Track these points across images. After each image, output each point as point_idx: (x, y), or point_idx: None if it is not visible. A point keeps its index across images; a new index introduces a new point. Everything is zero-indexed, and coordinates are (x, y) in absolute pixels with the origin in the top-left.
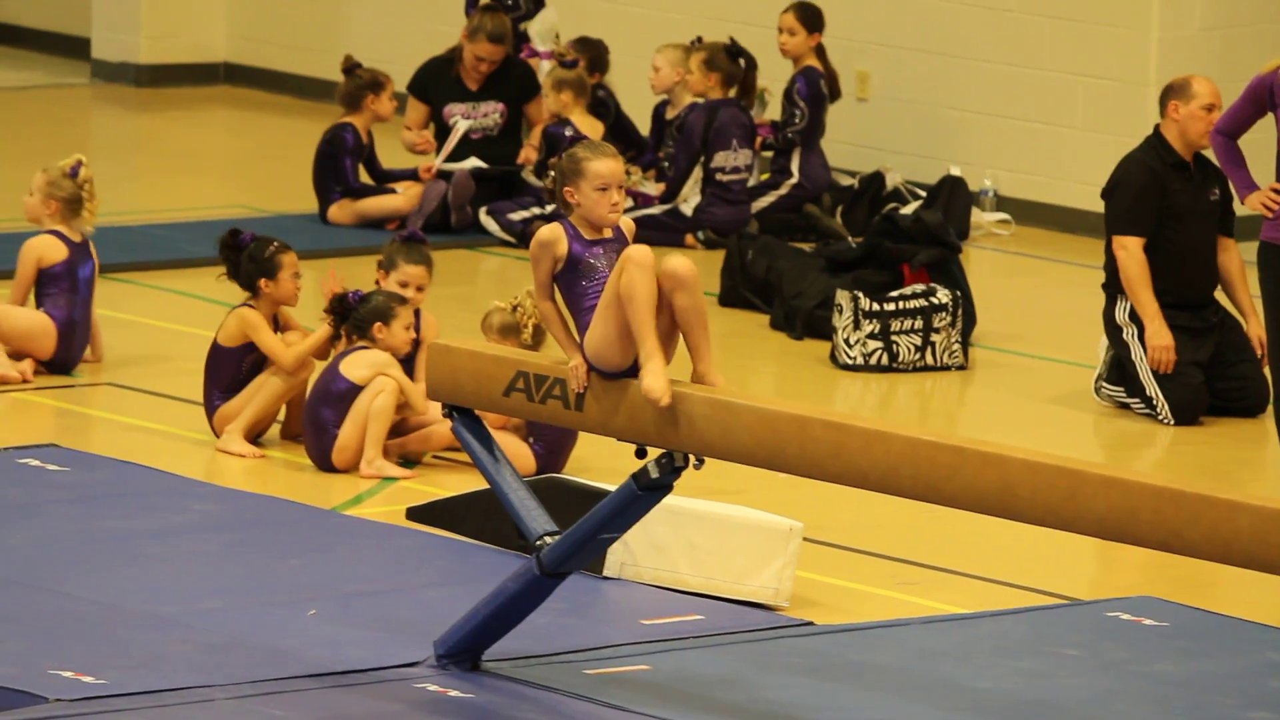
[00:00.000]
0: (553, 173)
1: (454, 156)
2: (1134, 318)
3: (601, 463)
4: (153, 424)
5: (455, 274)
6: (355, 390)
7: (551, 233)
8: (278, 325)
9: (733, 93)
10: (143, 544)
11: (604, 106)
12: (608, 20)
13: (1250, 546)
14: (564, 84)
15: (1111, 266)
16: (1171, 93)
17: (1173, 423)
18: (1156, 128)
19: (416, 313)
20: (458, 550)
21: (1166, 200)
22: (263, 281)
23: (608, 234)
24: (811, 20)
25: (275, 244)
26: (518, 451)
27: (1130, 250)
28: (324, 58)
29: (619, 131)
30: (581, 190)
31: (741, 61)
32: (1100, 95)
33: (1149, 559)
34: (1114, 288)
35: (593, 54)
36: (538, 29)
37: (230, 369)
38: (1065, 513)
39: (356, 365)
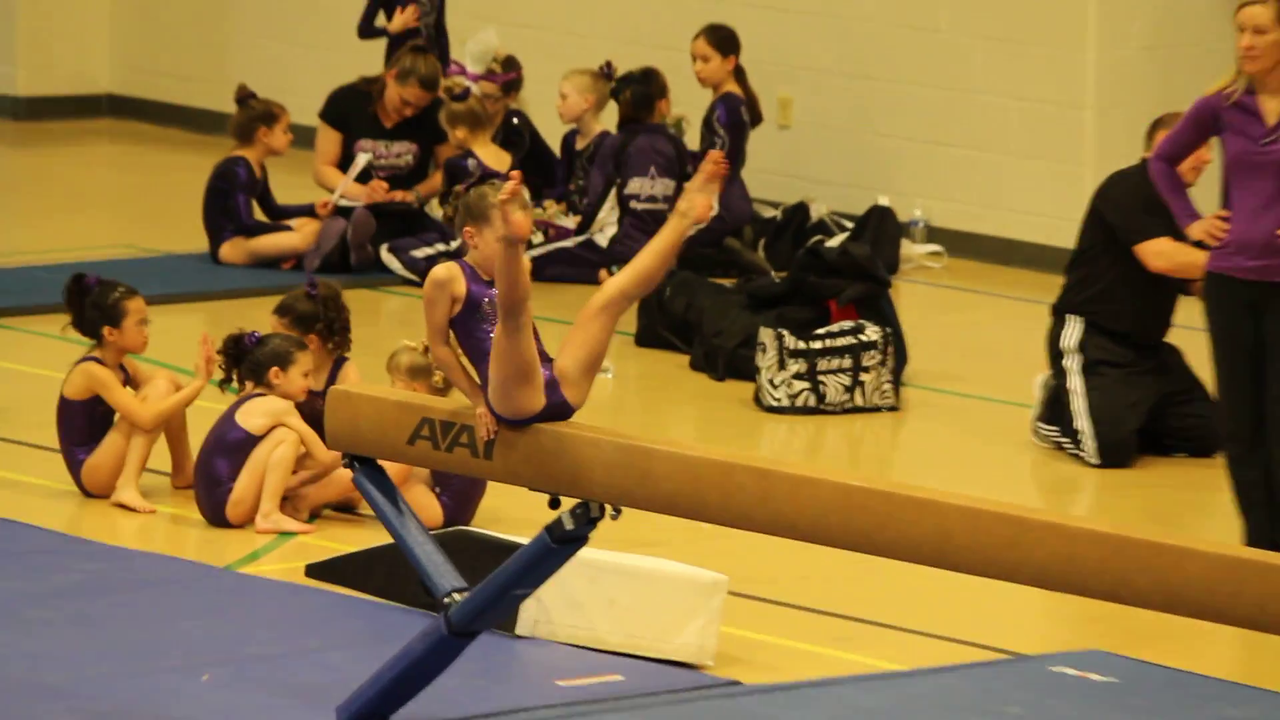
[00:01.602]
0: (454, 205)
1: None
2: (1082, 347)
3: (513, 514)
4: (29, 478)
5: (356, 316)
6: (251, 440)
7: (448, 272)
8: (126, 375)
9: (656, 120)
10: (23, 607)
11: (518, 134)
12: (516, 44)
13: (1201, 595)
14: (456, 119)
15: (1072, 282)
16: (1159, 127)
17: (1098, 462)
18: (1143, 161)
19: (339, 361)
20: (361, 609)
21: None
22: (107, 329)
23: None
24: (724, 43)
25: (121, 289)
26: (423, 503)
27: (1167, 253)
28: (214, 88)
29: (534, 160)
30: (484, 235)
31: (615, 85)
32: (1036, 119)
33: (1096, 610)
34: (1066, 309)
35: (514, 77)
36: (474, 50)
37: (81, 423)
38: (1006, 562)
39: (253, 414)
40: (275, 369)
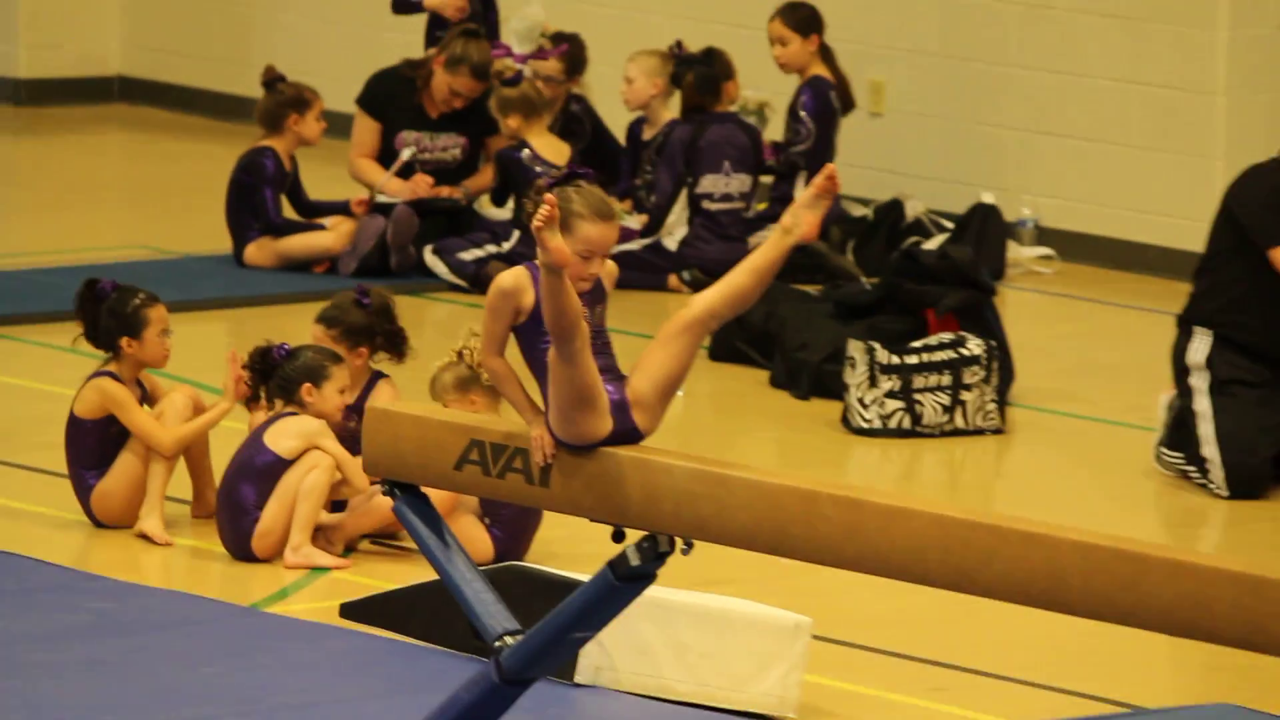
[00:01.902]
0: (529, 203)
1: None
2: (1210, 363)
3: (572, 548)
4: (33, 505)
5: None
6: (282, 464)
7: (515, 280)
8: (142, 391)
9: (723, 106)
10: (26, 651)
11: (578, 123)
12: (576, 21)
13: None
14: (509, 105)
15: (1200, 290)
16: None
17: (1226, 494)
18: None
19: (375, 375)
20: (402, 653)
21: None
22: (125, 341)
23: (583, 284)
24: (804, 23)
25: (141, 295)
26: (472, 535)
27: None
28: (238, 70)
29: (596, 152)
30: (568, 250)
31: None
32: (1160, 106)
33: (1226, 658)
34: (1193, 321)
35: (568, 53)
36: (519, 28)
37: (93, 444)
38: (1125, 603)
39: (284, 435)
40: (308, 385)
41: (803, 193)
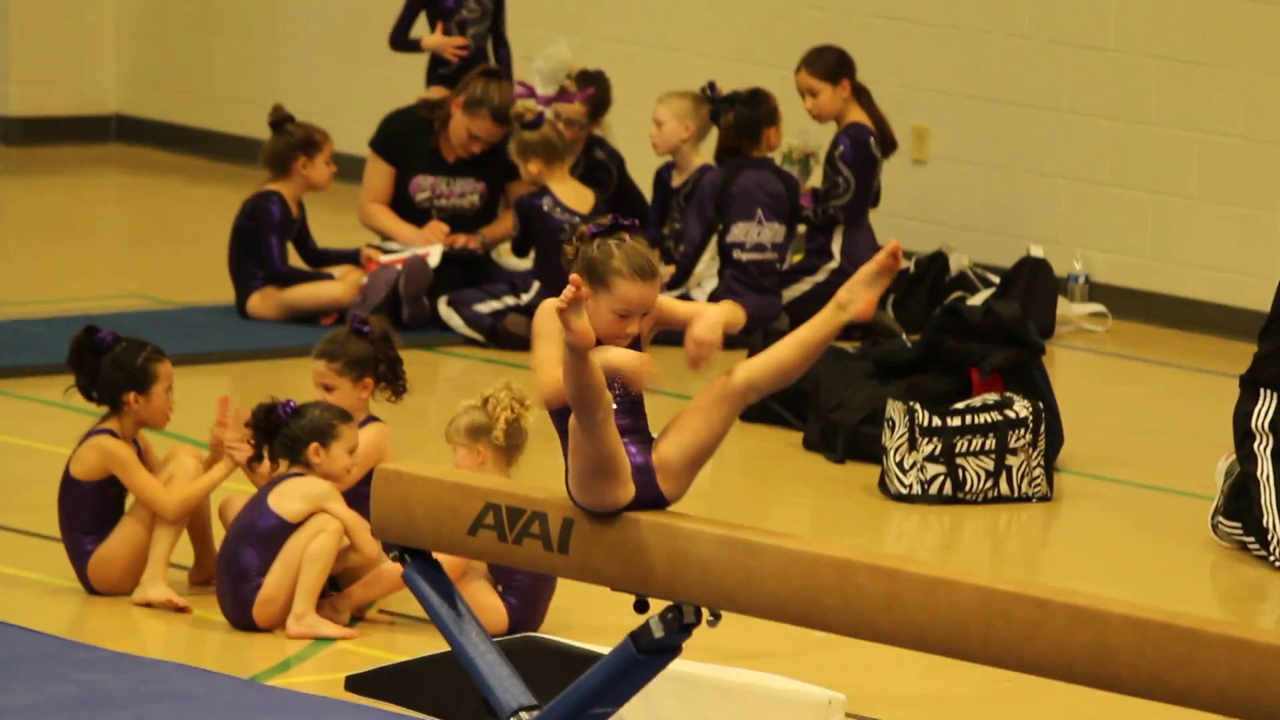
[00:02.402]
0: (574, 252)
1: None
2: (1275, 427)
3: (591, 618)
4: (23, 571)
5: (409, 381)
6: (287, 528)
7: (552, 311)
8: (138, 450)
9: (761, 153)
10: None
11: (604, 170)
12: (602, 58)
13: None
14: (529, 150)
15: (1266, 351)
16: None
17: None
18: None
19: (368, 419)
20: None
21: None
22: (131, 396)
23: (619, 341)
24: (832, 70)
25: (149, 348)
26: (486, 603)
27: None
28: (243, 109)
29: (621, 200)
30: (598, 302)
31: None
32: (1220, 155)
33: None
34: (1258, 382)
35: (593, 93)
36: (544, 68)
37: (91, 507)
38: (1177, 683)
39: (289, 497)
40: (315, 445)
41: (864, 268)
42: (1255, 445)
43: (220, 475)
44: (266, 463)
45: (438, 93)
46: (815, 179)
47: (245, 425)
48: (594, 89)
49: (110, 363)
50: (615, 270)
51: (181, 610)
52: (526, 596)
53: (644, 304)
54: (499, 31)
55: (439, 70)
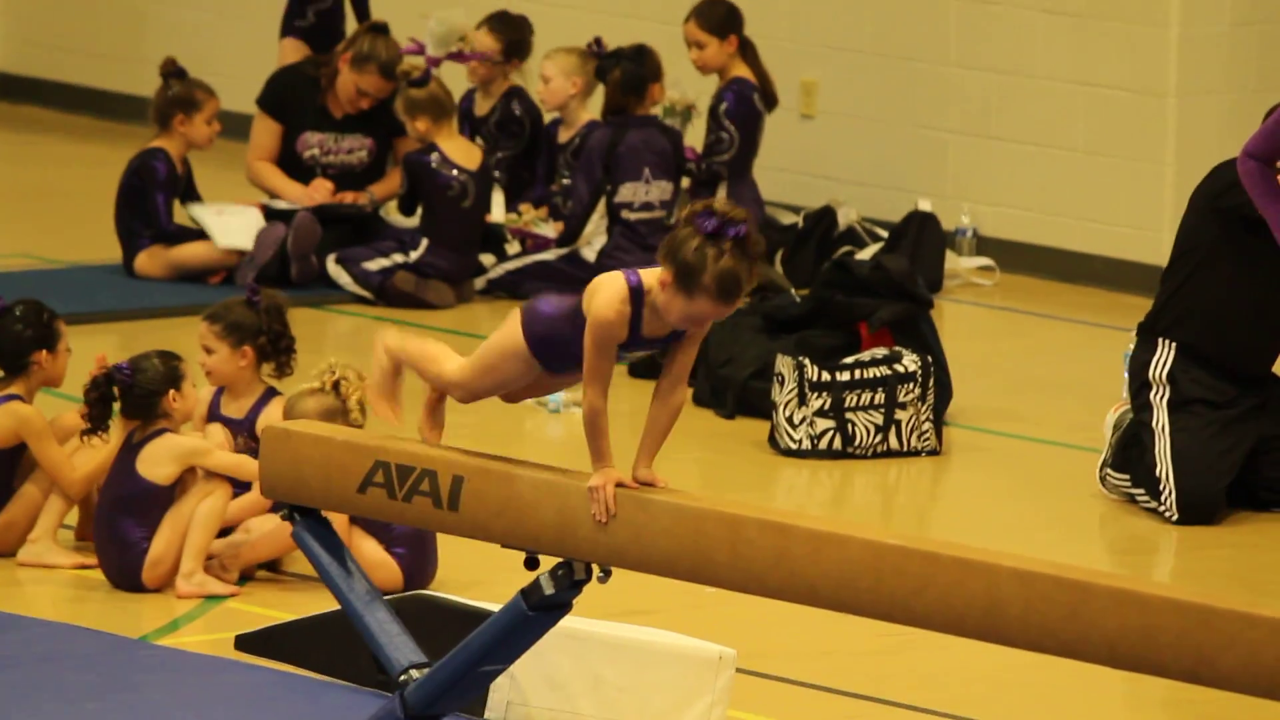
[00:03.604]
0: (669, 244)
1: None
2: (1173, 378)
3: (480, 575)
4: None
5: (298, 339)
6: (161, 491)
7: (621, 311)
8: None
9: (645, 109)
10: None
11: (517, 124)
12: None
13: None
14: (416, 107)
15: (1166, 299)
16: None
17: (1177, 518)
18: None
19: (269, 392)
20: (301, 688)
21: (1259, 240)
22: (42, 354)
23: (665, 330)
24: (720, 24)
25: (46, 308)
26: (376, 560)
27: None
28: (129, 66)
29: (529, 156)
30: (673, 295)
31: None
32: (1107, 109)
33: (1173, 693)
34: (1158, 331)
35: (512, 36)
36: (438, 31)
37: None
38: (1067, 635)
39: (157, 461)
40: (172, 391)
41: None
42: (1151, 395)
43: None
44: (116, 433)
45: (292, 45)
46: (697, 131)
47: (85, 397)
48: (494, 49)
49: (18, 323)
50: (703, 284)
51: (88, 568)
52: (412, 545)
53: (717, 318)
54: None
55: (295, 22)
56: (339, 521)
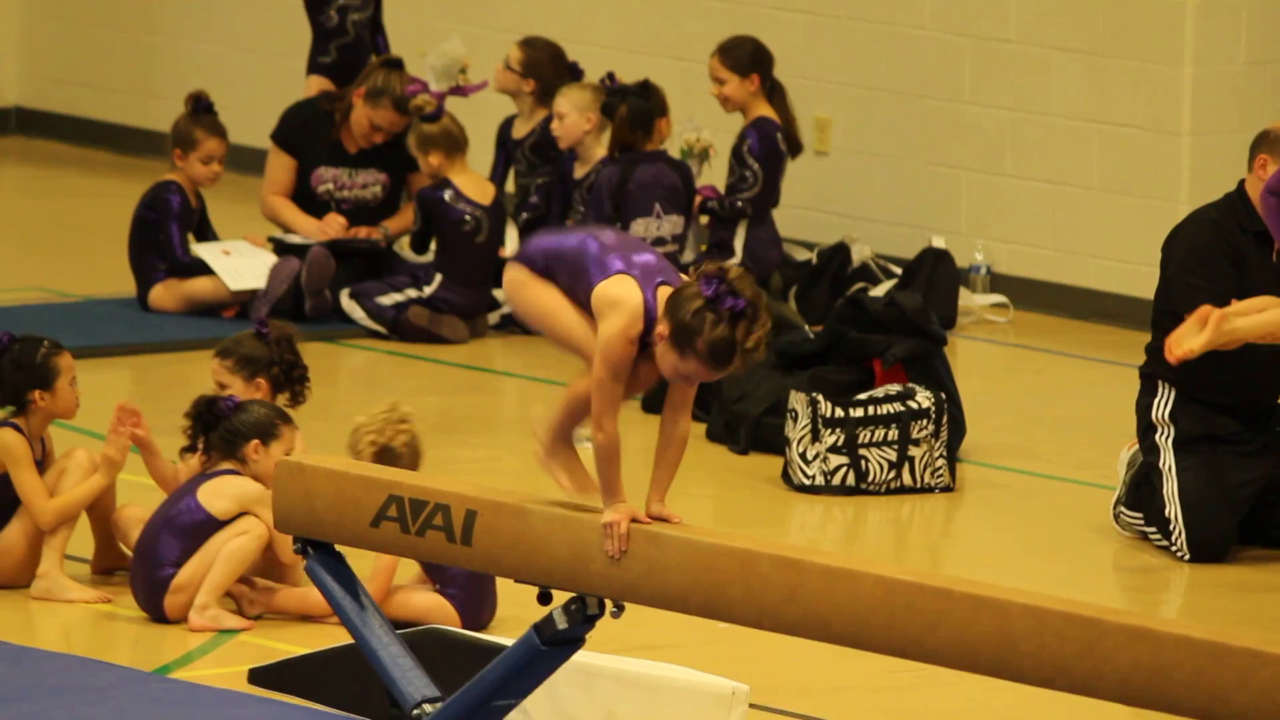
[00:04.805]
0: (673, 298)
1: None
2: (1174, 419)
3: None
4: None
5: (312, 373)
6: (212, 524)
7: (636, 331)
8: (43, 447)
9: (653, 145)
10: None
11: (555, 150)
12: (499, 52)
13: None
14: (429, 142)
15: (1158, 345)
16: (1263, 144)
17: (1188, 557)
18: (1241, 184)
19: None
20: None
21: (1241, 275)
22: (37, 394)
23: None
24: (742, 63)
25: (46, 343)
26: (430, 605)
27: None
28: (143, 102)
29: (558, 187)
30: (666, 350)
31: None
32: (1122, 146)
33: None
34: (1158, 374)
35: (536, 55)
36: (437, 65)
37: None
38: (1080, 671)
39: (220, 495)
40: (256, 443)
41: None
42: (1157, 436)
43: (100, 484)
44: (197, 456)
45: (318, 82)
46: (713, 173)
47: (185, 415)
48: (487, 82)
49: (10, 363)
50: (697, 351)
51: (107, 601)
52: (465, 586)
53: (705, 379)
54: (378, 20)
55: (319, 59)
56: (387, 564)
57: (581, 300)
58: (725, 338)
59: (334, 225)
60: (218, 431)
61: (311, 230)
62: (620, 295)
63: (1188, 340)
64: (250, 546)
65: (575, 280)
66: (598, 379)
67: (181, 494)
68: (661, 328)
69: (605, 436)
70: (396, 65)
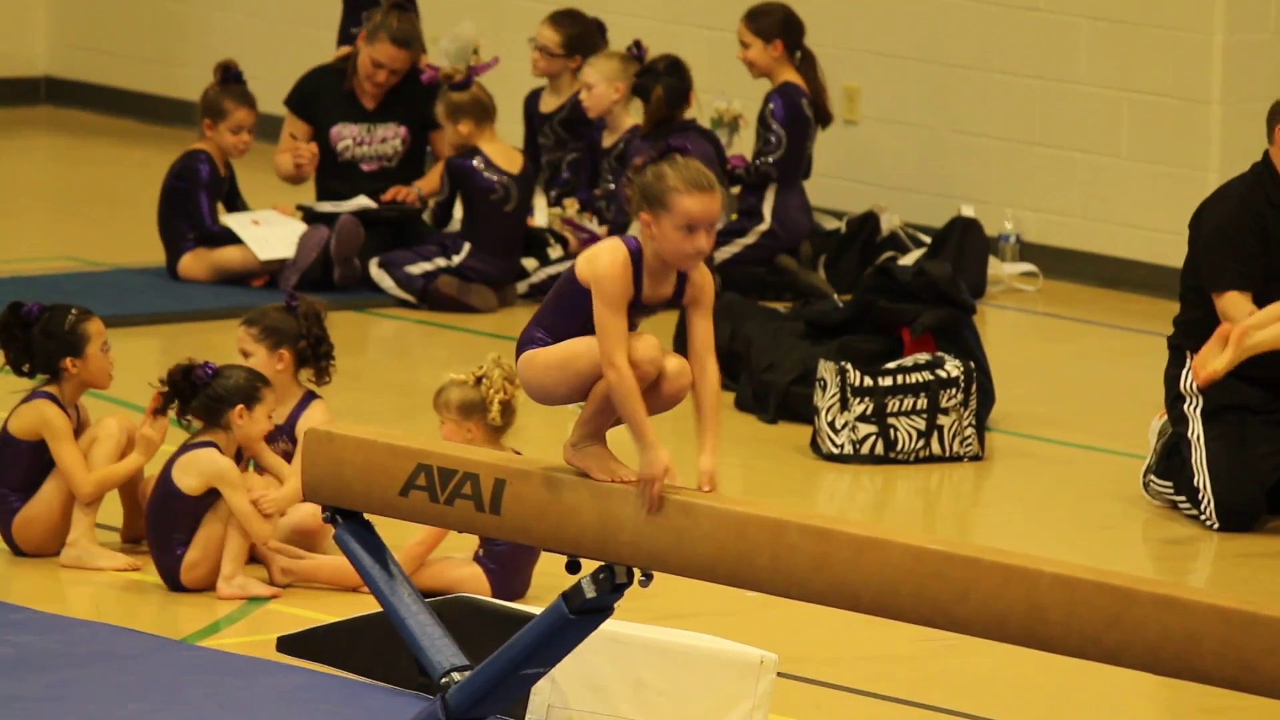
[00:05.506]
0: (633, 183)
1: (336, 197)
2: (1201, 387)
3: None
4: None
5: (341, 342)
6: (187, 500)
7: (625, 266)
8: (77, 416)
9: (689, 114)
10: None
11: (585, 123)
12: (524, 21)
13: None
14: (460, 110)
15: (1186, 318)
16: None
17: (1217, 526)
18: (1266, 155)
19: (308, 396)
20: (342, 690)
21: (1269, 250)
22: (69, 362)
23: (667, 291)
24: (768, 28)
25: (74, 311)
26: (465, 574)
27: (1240, 308)
28: (173, 71)
29: (588, 158)
30: (661, 225)
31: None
32: (1151, 115)
33: (1216, 699)
34: (1186, 345)
35: (573, 31)
36: (450, 49)
37: (23, 465)
38: (1109, 641)
39: (188, 471)
40: (240, 407)
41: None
42: (1185, 406)
43: (138, 463)
44: (164, 419)
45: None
46: (744, 141)
47: (159, 381)
48: (497, 59)
49: (40, 333)
50: (672, 188)
51: (136, 569)
52: (504, 562)
53: (707, 216)
54: None
55: (350, 29)
56: (431, 535)
57: (586, 324)
58: (688, 162)
59: (305, 153)
60: (199, 399)
61: (285, 164)
62: (600, 245)
63: (1212, 361)
64: (250, 508)
65: (573, 305)
66: (599, 319)
67: (164, 472)
68: (643, 219)
69: (618, 373)
70: (402, 6)
